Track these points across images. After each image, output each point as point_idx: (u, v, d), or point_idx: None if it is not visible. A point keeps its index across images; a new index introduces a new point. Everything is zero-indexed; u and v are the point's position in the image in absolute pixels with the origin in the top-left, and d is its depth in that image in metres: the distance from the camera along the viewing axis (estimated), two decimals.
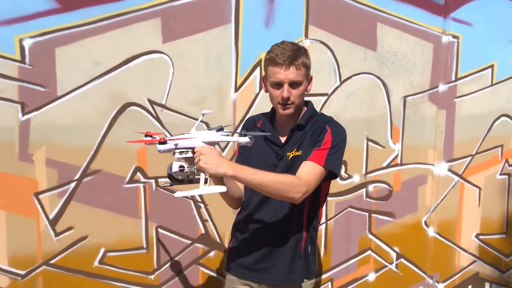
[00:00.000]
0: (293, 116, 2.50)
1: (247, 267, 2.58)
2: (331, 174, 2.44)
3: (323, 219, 3.65)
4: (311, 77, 2.49)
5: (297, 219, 2.50)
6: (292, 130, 2.49)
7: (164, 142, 2.10)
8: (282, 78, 2.35)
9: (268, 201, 2.51)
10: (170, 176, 2.18)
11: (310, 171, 2.35)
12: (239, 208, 2.67)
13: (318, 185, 2.43)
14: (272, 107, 2.57)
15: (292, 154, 2.45)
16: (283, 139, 2.51)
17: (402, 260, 3.99)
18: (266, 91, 2.47)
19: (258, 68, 3.29)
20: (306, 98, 2.54)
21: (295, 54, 2.35)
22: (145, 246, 3.24)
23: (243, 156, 2.61)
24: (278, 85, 2.38)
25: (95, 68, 2.97)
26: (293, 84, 2.37)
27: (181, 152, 2.17)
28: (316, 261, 2.63)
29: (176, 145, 2.13)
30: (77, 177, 3.03)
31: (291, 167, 2.42)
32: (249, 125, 2.66)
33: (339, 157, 2.46)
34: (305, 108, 2.55)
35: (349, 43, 3.52)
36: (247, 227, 2.59)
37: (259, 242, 2.54)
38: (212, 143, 2.19)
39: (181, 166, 2.16)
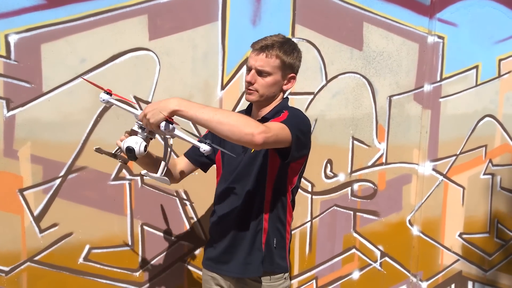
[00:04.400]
0: (261, 110, 2.50)
1: (213, 260, 2.62)
2: (285, 151, 2.32)
3: (307, 217, 3.66)
4: (292, 76, 2.47)
5: (257, 209, 2.49)
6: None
7: (109, 94, 2.22)
8: (252, 63, 2.39)
9: (228, 191, 2.53)
10: (129, 150, 2.14)
11: (270, 123, 2.27)
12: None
13: (283, 174, 2.45)
14: (249, 104, 2.61)
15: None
16: None
17: (386, 258, 4.02)
18: None
19: (245, 66, 3.29)
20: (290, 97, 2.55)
21: (272, 44, 2.36)
22: (130, 243, 3.23)
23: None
24: (249, 70, 2.41)
25: (81, 64, 2.96)
26: (260, 73, 2.38)
27: (141, 127, 2.19)
28: (286, 256, 2.60)
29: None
30: (62, 173, 3.02)
31: (254, 160, 2.44)
32: None
33: (298, 126, 2.32)
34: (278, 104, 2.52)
35: (335, 42, 3.54)
36: (213, 220, 2.63)
37: (221, 234, 2.57)
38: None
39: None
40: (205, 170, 2.75)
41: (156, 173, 2.28)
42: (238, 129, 2.05)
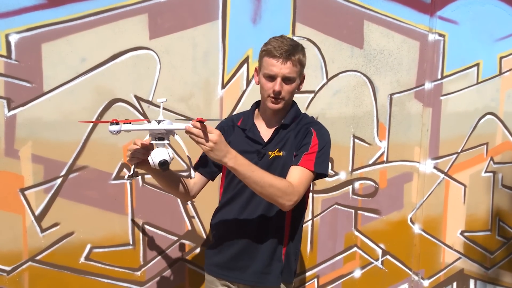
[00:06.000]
0: (276, 114, 2.48)
1: (221, 266, 2.57)
2: (319, 175, 2.44)
3: (309, 216, 3.66)
4: (304, 76, 2.48)
5: (278, 219, 2.47)
6: (277, 129, 2.46)
7: (116, 123, 2.05)
8: (277, 71, 2.32)
9: (242, 196, 2.49)
10: (163, 163, 2.10)
11: (300, 176, 2.33)
12: (217, 206, 2.66)
13: None
14: (252, 105, 2.58)
15: (274, 154, 2.43)
16: (265, 138, 2.48)
17: (388, 257, 4.01)
18: (258, 83, 2.43)
19: (245, 65, 3.30)
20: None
21: (293, 49, 2.33)
22: (131, 243, 3.23)
23: None
24: (271, 78, 2.34)
25: (81, 64, 2.97)
26: (286, 80, 2.34)
27: (159, 139, 2.13)
28: (297, 264, 2.63)
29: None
30: (63, 173, 3.03)
31: (271, 167, 2.40)
32: (227, 124, 2.60)
33: (327, 158, 2.45)
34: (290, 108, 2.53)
35: (336, 40, 3.54)
36: (224, 226, 2.57)
37: (234, 240, 2.52)
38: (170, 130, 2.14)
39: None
40: (213, 179, 2.68)
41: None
42: (275, 198, 2.26)
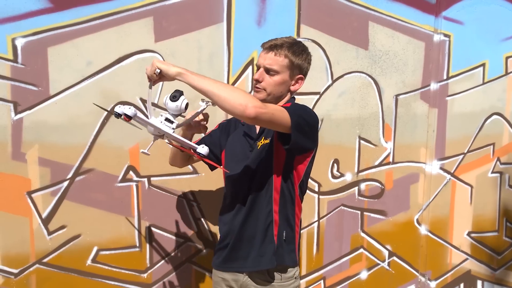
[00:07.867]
0: None
1: (225, 259, 2.59)
2: (288, 137, 2.29)
3: (315, 218, 3.66)
4: (300, 77, 2.49)
5: (266, 202, 2.47)
6: None
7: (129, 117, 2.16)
8: (260, 61, 2.41)
9: (235, 189, 2.53)
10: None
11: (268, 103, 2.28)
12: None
13: (289, 167, 2.43)
14: None
15: (261, 143, 2.46)
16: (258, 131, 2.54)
17: (395, 258, 4.01)
18: None
19: (250, 67, 3.30)
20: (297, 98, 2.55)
21: (282, 44, 2.38)
22: (137, 245, 3.24)
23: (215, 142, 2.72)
24: (258, 68, 2.44)
25: (87, 67, 2.98)
26: (268, 71, 2.39)
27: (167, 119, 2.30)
28: (295, 249, 2.59)
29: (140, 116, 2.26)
30: (69, 176, 3.04)
31: (260, 155, 2.43)
32: (234, 118, 2.70)
33: (299, 113, 2.30)
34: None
35: (341, 42, 3.54)
36: (222, 223, 2.63)
37: (231, 231, 2.55)
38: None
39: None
40: (211, 168, 2.74)
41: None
42: (233, 99, 2.10)
